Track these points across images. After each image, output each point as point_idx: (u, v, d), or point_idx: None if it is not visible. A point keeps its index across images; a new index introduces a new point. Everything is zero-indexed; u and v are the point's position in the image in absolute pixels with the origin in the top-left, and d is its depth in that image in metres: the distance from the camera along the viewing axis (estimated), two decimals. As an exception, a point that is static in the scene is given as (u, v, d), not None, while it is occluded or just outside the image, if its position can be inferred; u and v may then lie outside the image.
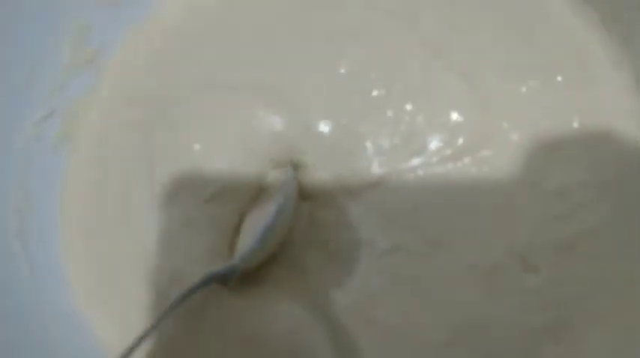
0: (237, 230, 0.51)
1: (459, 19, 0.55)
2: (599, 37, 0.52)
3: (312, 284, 0.49)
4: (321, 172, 0.51)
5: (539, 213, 0.48)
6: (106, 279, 0.52)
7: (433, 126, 0.51)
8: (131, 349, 0.40)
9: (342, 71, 0.53)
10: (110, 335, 0.50)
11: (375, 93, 0.52)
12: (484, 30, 0.54)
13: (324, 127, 0.52)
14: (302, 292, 0.49)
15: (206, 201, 0.50)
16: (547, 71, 0.52)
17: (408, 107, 0.52)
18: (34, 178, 0.52)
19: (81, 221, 0.54)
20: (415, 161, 0.50)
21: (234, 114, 0.53)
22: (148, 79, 0.57)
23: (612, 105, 0.50)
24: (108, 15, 0.56)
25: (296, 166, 0.52)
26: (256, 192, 0.52)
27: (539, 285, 0.47)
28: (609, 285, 0.47)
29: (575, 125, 0.50)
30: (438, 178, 0.49)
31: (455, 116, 0.51)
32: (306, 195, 0.52)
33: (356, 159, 0.51)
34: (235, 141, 0.52)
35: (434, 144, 0.50)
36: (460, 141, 0.50)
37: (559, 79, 0.51)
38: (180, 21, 0.58)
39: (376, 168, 0.50)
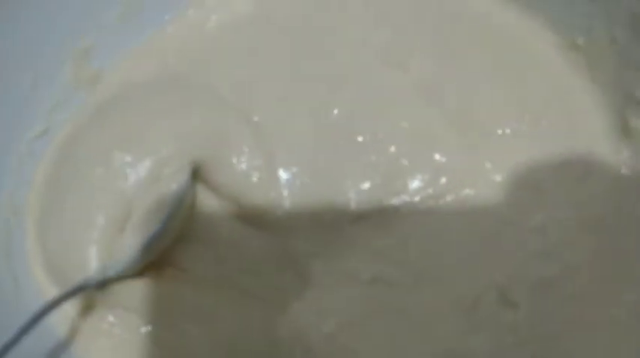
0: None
1: (449, 63, 0.56)
2: (585, 82, 0.53)
3: (291, 310, 0.49)
4: (297, 206, 0.51)
5: (519, 251, 0.48)
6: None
7: (416, 167, 0.51)
8: None
9: (330, 115, 0.54)
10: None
11: (360, 137, 0.53)
12: (473, 74, 0.55)
13: (303, 167, 0.52)
14: (280, 317, 0.48)
15: None
16: (533, 115, 0.53)
17: (392, 149, 0.52)
18: (23, 193, 0.52)
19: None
20: (396, 200, 0.50)
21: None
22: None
23: (593, 148, 0.51)
24: (109, 37, 0.57)
25: (194, 171, 0.51)
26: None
27: (518, 322, 0.47)
28: (585, 325, 0.46)
29: (557, 167, 0.50)
30: (421, 216, 0.50)
31: (439, 157, 0.52)
32: (278, 225, 0.51)
33: (335, 196, 0.51)
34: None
35: (416, 184, 0.51)
36: (443, 180, 0.51)
37: (543, 122, 0.52)
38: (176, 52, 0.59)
39: (356, 205, 0.50)
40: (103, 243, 0.48)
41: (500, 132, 0.52)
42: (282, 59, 0.57)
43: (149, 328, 0.49)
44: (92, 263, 0.48)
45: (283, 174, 0.52)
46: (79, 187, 0.51)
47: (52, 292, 0.50)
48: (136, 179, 0.50)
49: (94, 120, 0.55)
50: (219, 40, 0.60)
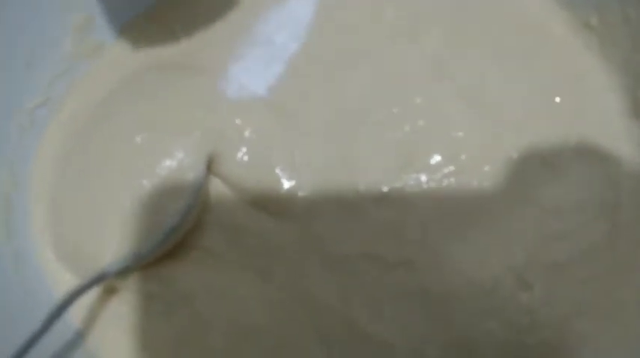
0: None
1: (461, 39, 0.55)
2: (597, 62, 0.52)
3: (312, 294, 0.47)
4: (317, 189, 0.49)
5: (535, 231, 0.47)
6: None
7: (435, 144, 0.50)
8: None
9: (345, 93, 0.53)
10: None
11: (376, 115, 0.52)
12: (486, 51, 0.54)
13: (320, 149, 0.50)
14: (300, 303, 0.47)
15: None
16: (546, 92, 0.51)
17: (409, 127, 0.51)
18: (24, 165, 0.50)
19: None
20: (416, 177, 0.49)
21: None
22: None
23: (609, 128, 0.50)
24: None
25: (210, 161, 0.49)
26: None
27: (532, 304, 0.45)
28: (598, 308, 0.46)
29: (573, 146, 0.49)
30: (440, 194, 0.48)
31: (456, 134, 0.50)
32: (298, 209, 0.49)
33: (355, 177, 0.49)
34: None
35: (435, 161, 0.49)
36: (462, 157, 0.49)
37: (557, 100, 0.51)
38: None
39: (376, 185, 0.49)
40: (121, 228, 0.46)
41: (513, 110, 0.51)
42: (293, 33, 0.55)
43: (168, 313, 0.47)
44: (110, 248, 0.46)
45: (300, 157, 0.50)
46: (97, 169, 0.49)
47: (57, 273, 0.48)
48: (157, 165, 0.48)
49: (109, 100, 0.52)
50: (226, 14, 0.57)
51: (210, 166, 0.49)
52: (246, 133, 0.50)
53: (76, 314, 0.46)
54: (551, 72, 0.53)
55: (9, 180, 0.49)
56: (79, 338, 0.46)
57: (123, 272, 0.46)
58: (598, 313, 0.46)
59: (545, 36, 0.54)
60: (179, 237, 0.48)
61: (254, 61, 0.55)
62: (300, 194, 0.49)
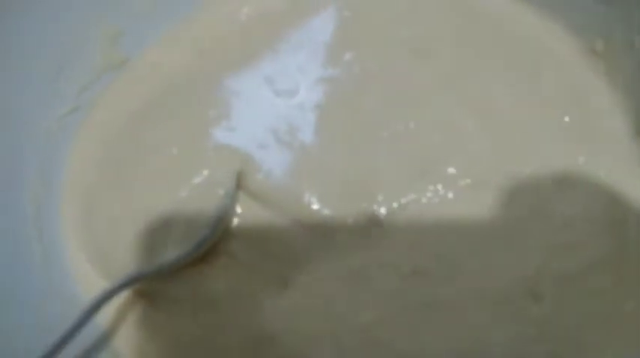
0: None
1: (472, 58, 0.56)
2: (603, 85, 0.54)
3: (329, 304, 0.48)
4: (335, 200, 0.50)
5: (546, 244, 0.48)
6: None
7: (449, 157, 0.51)
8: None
9: (361, 107, 0.54)
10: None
11: (392, 128, 0.53)
12: (497, 70, 0.56)
13: (340, 161, 0.52)
14: (317, 310, 0.48)
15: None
16: (555, 111, 0.53)
17: (425, 140, 0.52)
18: (53, 169, 0.51)
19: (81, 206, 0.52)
20: (433, 189, 0.50)
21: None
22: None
23: (615, 147, 0.51)
24: (140, 24, 0.57)
25: (239, 177, 0.51)
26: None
27: (542, 315, 0.46)
28: (606, 319, 0.46)
29: (582, 163, 0.50)
30: (456, 205, 0.49)
31: (469, 149, 0.51)
32: (317, 220, 0.50)
33: (371, 188, 0.50)
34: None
35: (451, 173, 0.50)
36: (476, 171, 0.50)
37: (566, 119, 0.53)
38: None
39: (393, 197, 0.50)
40: (153, 234, 0.48)
41: (524, 127, 0.52)
42: (313, 51, 0.58)
43: (193, 316, 0.48)
44: (139, 254, 0.47)
45: (321, 171, 0.51)
46: (131, 176, 0.51)
47: (85, 274, 0.49)
48: (192, 177, 0.50)
49: (142, 111, 0.55)
50: (249, 32, 0.60)
51: (239, 181, 0.51)
52: (269, 151, 0.52)
53: (103, 315, 0.46)
54: (558, 92, 0.54)
55: (39, 182, 0.50)
56: (105, 339, 0.46)
57: (153, 276, 0.47)
58: (605, 325, 0.46)
59: (553, 59, 0.56)
60: (209, 246, 0.49)
61: (277, 80, 0.57)
62: (321, 205, 0.50)
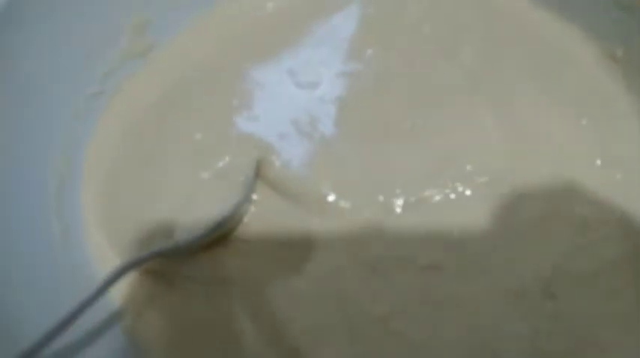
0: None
1: (494, 57, 0.57)
2: (621, 90, 0.54)
3: (347, 292, 0.48)
4: (352, 193, 0.51)
5: (563, 243, 0.48)
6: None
7: (469, 154, 0.51)
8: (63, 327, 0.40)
9: (382, 103, 0.55)
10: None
11: (412, 125, 0.53)
12: (518, 69, 0.56)
13: (359, 153, 0.52)
14: (330, 298, 0.48)
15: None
16: (573, 112, 0.53)
17: (444, 137, 0.53)
18: (77, 147, 0.52)
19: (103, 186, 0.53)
20: (452, 185, 0.50)
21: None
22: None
23: (632, 150, 0.52)
24: (167, 14, 0.58)
25: (259, 165, 0.52)
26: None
27: (556, 312, 0.46)
28: (620, 320, 0.46)
29: (599, 165, 0.51)
30: (472, 204, 0.49)
31: (489, 147, 0.52)
32: (334, 211, 0.51)
33: (391, 181, 0.51)
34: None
35: (470, 170, 0.50)
36: (495, 169, 0.50)
37: (584, 122, 0.53)
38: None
39: (412, 191, 0.50)
40: (172, 215, 0.49)
41: (543, 126, 0.52)
42: (335, 46, 0.59)
43: (205, 297, 0.48)
44: (158, 233, 0.48)
45: (340, 162, 0.52)
46: (154, 158, 0.52)
47: (103, 251, 0.49)
48: (213, 162, 0.51)
49: (167, 96, 0.56)
50: (273, 25, 0.60)
51: (258, 169, 0.52)
52: (289, 141, 0.53)
53: (117, 292, 0.47)
54: (577, 95, 0.55)
55: (63, 159, 0.50)
56: (117, 315, 0.47)
57: (169, 255, 0.47)
58: (619, 324, 0.46)
59: (573, 62, 0.57)
60: (226, 229, 0.49)
61: (299, 72, 0.57)
62: (339, 196, 0.50)
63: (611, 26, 0.56)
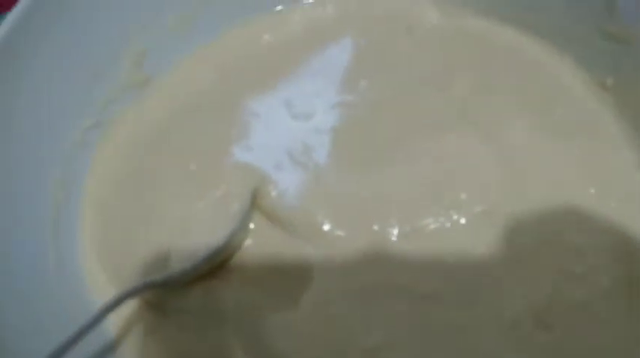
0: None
1: (486, 89, 0.58)
2: (612, 118, 0.55)
3: (339, 321, 0.47)
4: (347, 222, 0.51)
5: (556, 271, 0.47)
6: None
7: (462, 184, 0.51)
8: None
9: (375, 133, 0.56)
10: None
11: (406, 155, 0.54)
12: (509, 100, 0.57)
13: (353, 183, 0.53)
14: (324, 330, 0.47)
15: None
16: (565, 141, 0.54)
17: (437, 168, 0.53)
18: (74, 178, 0.52)
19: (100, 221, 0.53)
20: (446, 214, 0.50)
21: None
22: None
23: (625, 178, 0.52)
24: (165, 45, 0.59)
25: (254, 194, 0.52)
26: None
27: (552, 343, 0.45)
28: (615, 348, 0.46)
29: (593, 193, 0.51)
30: (467, 233, 0.49)
31: (482, 176, 0.52)
32: (330, 240, 0.50)
33: (385, 210, 0.51)
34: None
35: (464, 200, 0.51)
36: (490, 198, 0.51)
37: (576, 151, 0.53)
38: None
39: (406, 220, 0.50)
40: (168, 244, 0.49)
41: (535, 155, 0.53)
42: (329, 77, 0.59)
43: (200, 329, 0.48)
44: (154, 263, 0.48)
45: (334, 192, 0.52)
46: (150, 188, 0.53)
47: (98, 281, 0.49)
48: (208, 192, 0.51)
49: (162, 127, 0.57)
50: (269, 57, 0.62)
51: (254, 199, 0.52)
52: (285, 171, 0.54)
53: (112, 322, 0.47)
54: (569, 124, 0.55)
55: (61, 190, 0.51)
56: (113, 346, 0.46)
57: (165, 285, 0.47)
58: (615, 353, 0.46)
59: (564, 91, 0.57)
60: (221, 259, 0.49)
61: (294, 103, 0.58)
62: (334, 225, 0.50)
63: (601, 56, 0.57)
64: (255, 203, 0.52)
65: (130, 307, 0.48)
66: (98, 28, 0.54)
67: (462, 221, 0.50)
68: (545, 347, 0.46)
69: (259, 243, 0.51)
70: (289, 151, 0.55)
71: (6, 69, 0.46)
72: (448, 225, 0.50)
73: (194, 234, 0.49)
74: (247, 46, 0.63)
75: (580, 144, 0.54)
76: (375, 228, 0.50)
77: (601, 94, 0.57)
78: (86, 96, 0.54)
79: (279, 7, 0.64)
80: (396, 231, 0.50)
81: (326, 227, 0.51)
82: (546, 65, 0.59)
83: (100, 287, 0.49)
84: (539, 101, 0.57)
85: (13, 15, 0.47)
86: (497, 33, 0.62)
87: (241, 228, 0.50)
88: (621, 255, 0.49)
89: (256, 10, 0.63)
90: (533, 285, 0.47)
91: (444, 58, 0.61)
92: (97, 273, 0.50)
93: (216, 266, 0.50)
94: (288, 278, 0.49)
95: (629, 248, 0.49)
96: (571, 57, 0.59)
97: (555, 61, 0.59)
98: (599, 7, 0.55)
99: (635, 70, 0.54)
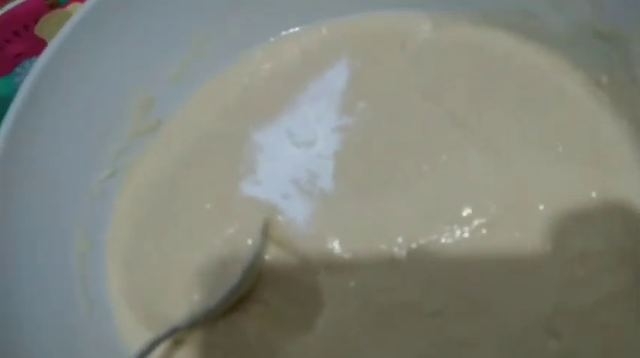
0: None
1: (481, 98, 0.58)
2: (610, 117, 0.55)
3: (353, 344, 0.49)
4: (353, 245, 0.52)
5: (561, 280, 0.48)
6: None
7: (463, 197, 0.52)
8: None
9: (376, 153, 0.57)
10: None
11: (406, 170, 0.55)
12: (505, 108, 0.57)
13: (357, 205, 0.54)
14: (340, 351, 0.49)
15: None
16: (565, 145, 0.54)
17: (437, 182, 0.54)
18: (96, 228, 0.55)
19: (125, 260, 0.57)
20: (450, 229, 0.51)
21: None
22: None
23: (625, 179, 0.52)
24: (170, 89, 0.61)
25: (266, 227, 0.54)
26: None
27: (561, 351, 0.46)
28: (624, 353, 0.46)
29: (595, 197, 0.51)
30: (472, 245, 0.50)
31: (483, 188, 0.53)
32: (341, 263, 0.52)
33: (392, 229, 0.52)
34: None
35: (466, 213, 0.51)
36: (491, 210, 0.51)
37: (576, 154, 0.53)
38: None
39: (412, 236, 0.51)
40: (190, 285, 0.52)
41: (535, 163, 0.53)
42: (329, 101, 0.61)
43: None
44: (180, 304, 0.51)
45: (340, 217, 0.54)
46: (169, 231, 0.55)
47: (130, 324, 0.53)
48: (223, 230, 0.54)
49: (175, 170, 0.59)
50: (269, 88, 0.63)
51: (266, 231, 0.54)
52: (292, 200, 0.56)
53: None
54: (567, 127, 0.55)
55: (84, 242, 0.53)
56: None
57: (191, 325, 0.50)
58: (627, 357, 0.46)
59: (561, 94, 0.57)
60: (241, 293, 0.51)
61: (296, 132, 0.60)
62: (343, 250, 0.52)
63: (595, 56, 0.56)
64: (267, 234, 0.54)
65: (160, 347, 0.50)
66: (104, 82, 0.56)
67: (466, 235, 0.51)
68: (556, 355, 0.47)
69: (275, 273, 0.54)
70: (295, 180, 0.57)
71: (23, 127, 0.48)
72: (451, 240, 0.51)
73: (213, 270, 0.52)
74: (247, 79, 0.64)
75: (579, 147, 0.54)
76: (383, 247, 0.52)
77: (597, 94, 0.57)
78: (99, 149, 0.56)
79: (271, 39, 0.65)
80: (403, 249, 0.52)
81: (336, 250, 0.53)
82: (541, 69, 0.59)
83: (131, 332, 0.52)
84: (536, 106, 0.57)
85: (31, 74, 0.49)
86: (490, 41, 0.62)
87: (256, 261, 0.52)
88: (626, 258, 0.49)
89: (252, 44, 0.65)
90: (539, 294, 0.48)
91: (440, 71, 0.61)
92: (128, 318, 0.53)
93: (237, 299, 0.52)
94: (303, 305, 0.52)
95: (633, 250, 0.49)
96: (566, 58, 0.59)
97: (550, 64, 0.59)
98: (587, 8, 0.55)
99: (628, 68, 0.54)
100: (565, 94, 0.58)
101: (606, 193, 0.52)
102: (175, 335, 0.50)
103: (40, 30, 0.75)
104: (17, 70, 0.74)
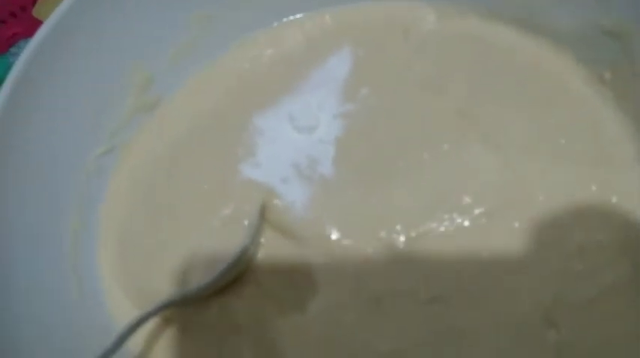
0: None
1: (484, 90, 0.58)
2: (613, 113, 0.55)
3: (349, 328, 0.48)
4: (351, 229, 0.52)
5: (561, 271, 0.48)
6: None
7: (464, 187, 0.52)
8: None
9: (377, 141, 0.56)
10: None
11: (407, 160, 0.55)
12: (508, 100, 0.56)
13: (358, 192, 0.54)
14: (334, 335, 0.49)
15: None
16: (566, 139, 0.54)
17: (438, 171, 0.53)
18: (90, 205, 0.54)
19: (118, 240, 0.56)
20: (450, 218, 0.51)
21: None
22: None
23: (627, 173, 0.52)
24: (170, 69, 0.61)
25: (263, 209, 0.53)
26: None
27: (560, 342, 0.46)
28: (623, 343, 0.46)
29: (594, 190, 0.51)
30: (471, 235, 0.50)
31: (483, 178, 0.52)
32: (338, 249, 0.51)
33: (392, 216, 0.52)
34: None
35: (466, 202, 0.51)
36: (491, 200, 0.51)
37: (578, 147, 0.53)
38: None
39: (409, 224, 0.51)
40: (184, 263, 0.51)
41: (536, 155, 0.53)
42: (331, 88, 0.60)
43: (219, 343, 0.49)
44: (172, 282, 0.50)
45: (340, 203, 0.53)
46: (165, 210, 0.54)
47: (120, 303, 0.51)
48: (220, 210, 0.53)
49: (173, 149, 0.58)
50: (271, 73, 0.63)
51: (263, 214, 0.53)
52: (291, 184, 0.55)
53: (135, 340, 0.48)
54: (569, 121, 0.55)
55: (78, 219, 0.52)
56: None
57: (183, 303, 0.49)
58: (623, 348, 0.46)
59: (563, 88, 0.57)
60: (235, 274, 0.51)
61: (297, 117, 0.60)
62: (342, 234, 0.52)
63: (598, 51, 0.56)
64: (264, 217, 0.54)
65: (150, 325, 0.49)
66: (103, 60, 0.55)
67: (466, 224, 0.51)
68: (554, 346, 0.46)
69: (270, 256, 0.53)
70: (295, 164, 0.56)
71: (16, 101, 0.47)
72: (452, 228, 0.51)
73: (208, 251, 0.51)
74: (251, 62, 0.64)
75: (581, 141, 0.54)
76: (382, 234, 0.51)
77: (600, 89, 0.56)
78: (96, 125, 0.55)
79: (275, 24, 0.65)
80: (402, 237, 0.51)
81: (334, 236, 0.52)
82: (544, 64, 0.59)
83: (123, 311, 0.51)
84: (538, 101, 0.57)
85: (25, 53, 0.48)
86: (494, 34, 0.61)
87: (252, 243, 0.51)
88: (625, 250, 0.49)
89: (255, 28, 0.64)
90: (538, 285, 0.48)
91: (442, 62, 0.61)
92: (119, 297, 0.52)
93: (230, 281, 0.51)
94: (299, 288, 0.51)
95: (633, 242, 0.49)
96: (569, 53, 0.59)
97: (553, 59, 0.59)
98: (593, 3, 0.55)
99: (630, 64, 0.54)
100: (567, 89, 0.58)
101: (606, 187, 0.51)
102: (165, 311, 0.49)
103: (37, 12, 0.74)
104: (12, 50, 0.73)
